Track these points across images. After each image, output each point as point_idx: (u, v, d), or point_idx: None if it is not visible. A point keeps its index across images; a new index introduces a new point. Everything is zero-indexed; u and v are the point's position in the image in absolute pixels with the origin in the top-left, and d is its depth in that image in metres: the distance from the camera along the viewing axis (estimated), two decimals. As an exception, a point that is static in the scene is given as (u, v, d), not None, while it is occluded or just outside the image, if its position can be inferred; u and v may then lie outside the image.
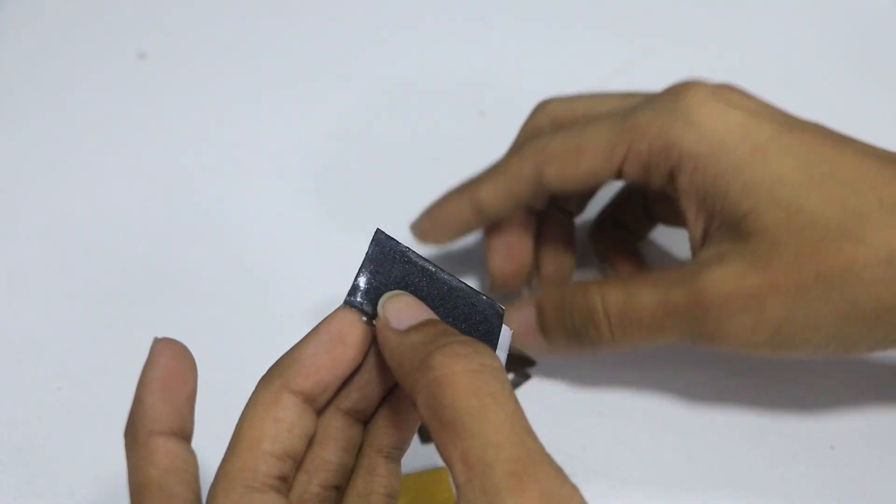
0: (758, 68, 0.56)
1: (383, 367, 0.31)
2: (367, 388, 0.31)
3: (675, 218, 0.43)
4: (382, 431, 0.32)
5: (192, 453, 0.29)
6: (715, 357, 0.43)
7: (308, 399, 0.29)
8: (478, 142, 0.47)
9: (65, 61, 0.56)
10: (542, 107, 0.43)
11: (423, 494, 0.39)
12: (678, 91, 0.37)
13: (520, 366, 0.43)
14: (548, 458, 0.26)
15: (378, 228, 0.31)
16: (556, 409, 0.42)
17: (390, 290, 0.31)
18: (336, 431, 0.31)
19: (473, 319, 0.31)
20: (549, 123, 0.42)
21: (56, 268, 0.47)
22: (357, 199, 0.50)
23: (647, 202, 0.45)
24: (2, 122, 0.53)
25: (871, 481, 0.39)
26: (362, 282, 0.31)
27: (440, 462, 0.40)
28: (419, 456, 0.40)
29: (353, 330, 0.30)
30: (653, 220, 0.46)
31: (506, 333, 0.32)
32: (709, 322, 0.36)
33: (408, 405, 0.32)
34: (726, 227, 0.36)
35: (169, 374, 0.29)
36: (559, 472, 0.26)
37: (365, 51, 0.58)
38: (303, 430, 0.29)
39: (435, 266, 0.31)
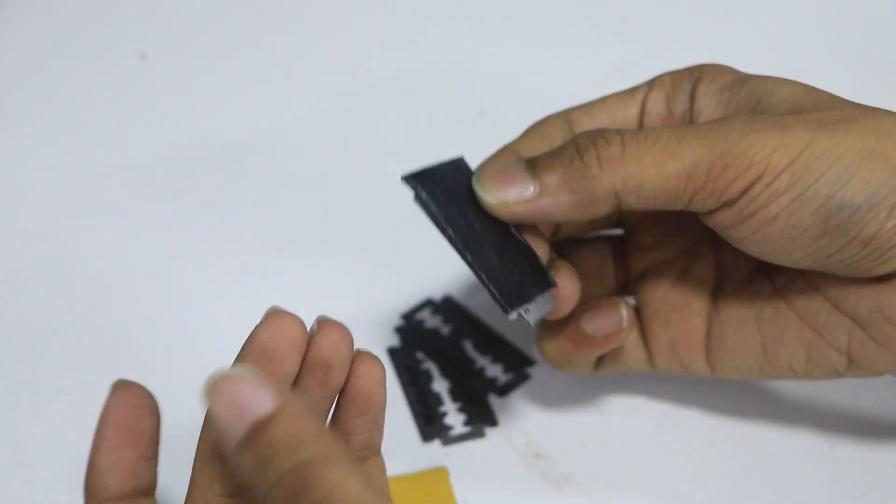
0: (757, 69, 0.56)
1: None
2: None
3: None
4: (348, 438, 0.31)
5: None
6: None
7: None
8: (478, 142, 0.47)
9: (65, 61, 0.56)
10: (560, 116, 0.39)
11: (423, 494, 0.39)
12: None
13: (519, 366, 0.43)
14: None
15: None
16: (556, 409, 0.42)
17: (459, 203, 0.33)
18: None
19: (523, 271, 0.34)
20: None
21: (56, 268, 0.47)
22: (357, 199, 0.50)
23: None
24: (2, 122, 0.53)
25: (871, 481, 0.39)
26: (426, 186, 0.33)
27: (440, 462, 0.40)
28: (419, 456, 0.40)
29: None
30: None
31: (548, 303, 0.34)
32: (734, 133, 0.32)
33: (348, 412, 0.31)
34: (744, 111, 0.35)
35: (122, 427, 0.28)
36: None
37: (365, 51, 0.58)
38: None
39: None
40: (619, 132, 0.33)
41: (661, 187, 0.32)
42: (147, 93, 0.55)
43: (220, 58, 0.57)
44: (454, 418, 0.41)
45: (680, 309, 0.39)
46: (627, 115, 0.38)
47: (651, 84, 0.38)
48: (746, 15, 0.61)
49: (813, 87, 0.35)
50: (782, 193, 0.32)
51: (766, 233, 0.33)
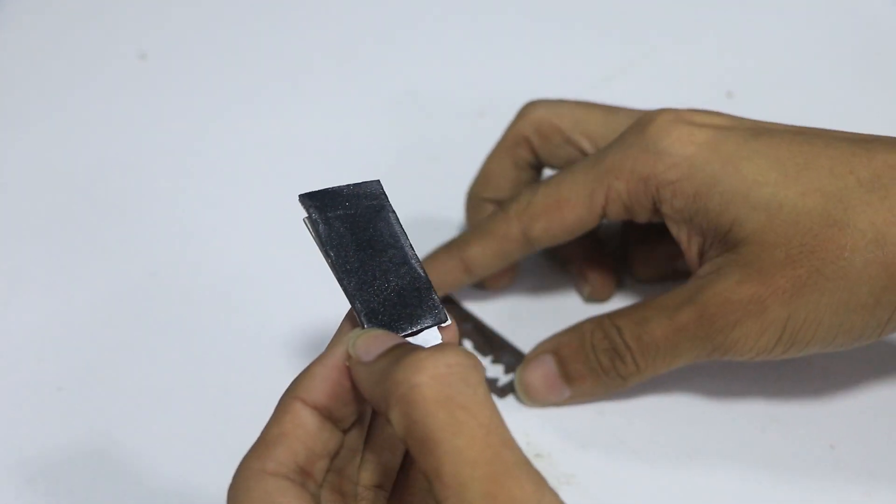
0: (756, 69, 0.56)
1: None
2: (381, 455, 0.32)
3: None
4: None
5: (324, 431, 0.30)
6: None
7: (324, 411, 0.30)
8: (478, 142, 0.47)
9: (65, 61, 0.56)
10: (526, 112, 0.43)
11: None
12: (643, 124, 0.38)
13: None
14: (525, 471, 0.25)
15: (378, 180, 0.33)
16: (556, 409, 0.42)
17: (354, 228, 0.32)
18: None
19: (407, 304, 0.31)
20: (533, 132, 0.43)
21: (56, 268, 0.47)
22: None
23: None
24: (2, 122, 0.53)
25: (871, 481, 0.39)
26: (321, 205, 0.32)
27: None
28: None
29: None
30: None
31: (433, 338, 0.31)
32: (717, 335, 0.37)
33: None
34: (717, 242, 0.37)
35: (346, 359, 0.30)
36: (538, 483, 0.25)
37: (365, 52, 0.58)
38: (320, 435, 0.30)
39: (408, 243, 0.32)
40: (628, 346, 0.38)
41: (681, 365, 0.39)
42: (147, 93, 0.55)
43: (220, 58, 0.57)
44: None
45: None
46: (589, 222, 0.40)
47: (605, 196, 0.39)
48: (745, 16, 0.61)
49: (779, 199, 0.35)
50: (782, 354, 0.37)
51: None
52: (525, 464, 0.26)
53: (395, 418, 0.26)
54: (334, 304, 0.40)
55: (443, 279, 0.43)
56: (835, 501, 0.39)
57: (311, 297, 0.45)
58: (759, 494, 0.39)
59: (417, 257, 0.32)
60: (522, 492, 0.25)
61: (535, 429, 0.41)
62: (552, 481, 0.26)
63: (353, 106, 0.55)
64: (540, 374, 0.40)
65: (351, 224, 0.32)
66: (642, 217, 0.39)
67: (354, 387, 0.30)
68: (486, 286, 0.45)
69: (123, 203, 0.50)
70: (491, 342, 0.44)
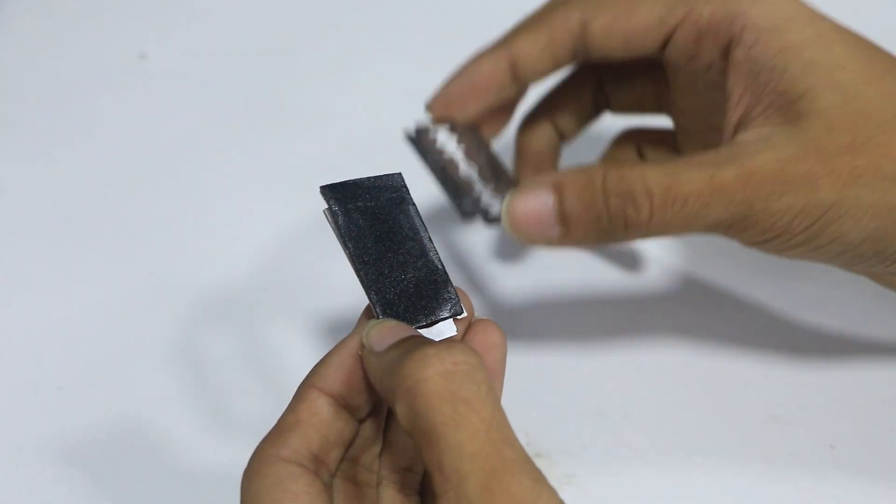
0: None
1: None
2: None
3: (635, 103, 0.42)
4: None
5: (340, 420, 0.30)
6: (715, 358, 0.43)
7: (339, 400, 0.30)
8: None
9: (65, 61, 0.56)
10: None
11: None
12: None
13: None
14: (525, 468, 0.26)
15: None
16: (556, 409, 0.42)
17: (373, 220, 0.32)
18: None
19: (423, 295, 0.32)
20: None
21: (56, 268, 0.47)
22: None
23: (600, 85, 0.43)
24: (2, 122, 0.53)
25: (871, 481, 0.39)
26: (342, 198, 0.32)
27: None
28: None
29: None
30: (598, 108, 0.44)
31: (448, 330, 0.32)
32: (759, 201, 0.33)
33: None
34: (776, 107, 0.34)
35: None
36: (536, 480, 0.26)
37: (365, 52, 0.58)
38: (335, 423, 0.30)
39: (427, 233, 0.33)
40: (649, 191, 0.33)
41: (683, 236, 0.34)
42: (147, 93, 0.55)
43: (220, 58, 0.57)
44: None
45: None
46: (652, 38, 0.37)
47: (684, 16, 0.36)
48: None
49: (859, 88, 0.34)
50: (797, 247, 0.34)
51: (775, 253, 0.35)
52: (525, 461, 0.26)
53: (401, 410, 0.27)
54: (335, 303, 0.40)
55: (483, 79, 0.38)
56: (835, 501, 0.39)
57: (312, 297, 0.45)
58: (759, 494, 0.39)
59: (436, 250, 0.33)
60: (520, 488, 0.25)
61: (535, 429, 0.41)
62: (552, 481, 0.27)
63: (355, 106, 0.55)
64: (532, 203, 0.34)
65: (370, 216, 0.32)
66: (704, 56, 0.36)
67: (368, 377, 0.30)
68: (435, 109, 0.40)
69: (123, 202, 0.50)
70: (497, 175, 0.40)
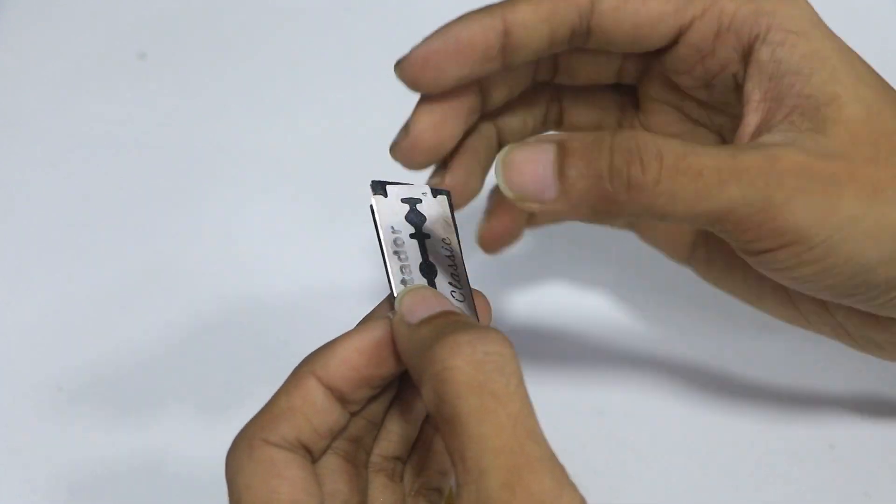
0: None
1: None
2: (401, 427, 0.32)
3: (592, 125, 0.38)
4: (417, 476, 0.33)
5: (333, 413, 0.30)
6: (715, 357, 0.43)
7: (336, 393, 0.30)
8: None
9: (65, 61, 0.56)
10: None
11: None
12: None
13: None
14: (548, 466, 0.26)
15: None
16: (556, 409, 0.41)
17: (414, 224, 0.32)
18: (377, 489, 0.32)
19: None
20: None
21: (56, 268, 0.47)
22: (356, 200, 0.50)
23: (557, 98, 0.39)
24: (2, 122, 0.53)
25: (871, 481, 0.39)
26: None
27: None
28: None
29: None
30: (547, 124, 0.39)
31: None
32: (779, 192, 0.30)
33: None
34: (801, 112, 0.32)
35: (374, 347, 0.30)
36: (559, 480, 0.26)
37: (365, 50, 0.58)
38: (328, 416, 0.30)
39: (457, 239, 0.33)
40: (660, 154, 0.30)
41: (687, 221, 0.31)
42: (147, 93, 0.55)
43: (220, 57, 0.57)
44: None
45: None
46: (666, 25, 0.33)
47: (704, 9, 0.33)
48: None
49: (880, 105, 0.32)
50: (808, 265, 0.31)
51: (776, 276, 0.32)
52: (549, 459, 0.26)
53: (427, 393, 0.27)
54: (337, 303, 0.40)
55: (470, 40, 0.33)
56: (835, 501, 0.39)
57: (313, 298, 0.45)
58: (759, 494, 0.39)
59: (465, 271, 0.33)
60: (541, 487, 0.25)
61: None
62: (552, 481, 0.27)
63: (355, 106, 0.55)
64: (532, 154, 0.30)
65: (411, 220, 0.33)
66: (721, 53, 0.33)
67: (373, 374, 0.30)
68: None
69: (123, 202, 0.50)
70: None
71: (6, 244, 0.48)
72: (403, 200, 0.33)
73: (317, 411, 0.29)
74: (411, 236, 0.32)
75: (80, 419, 0.41)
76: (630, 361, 0.43)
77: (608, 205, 0.30)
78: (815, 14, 0.33)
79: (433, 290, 0.31)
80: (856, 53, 0.34)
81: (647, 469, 0.40)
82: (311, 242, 0.48)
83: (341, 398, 0.30)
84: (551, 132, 0.35)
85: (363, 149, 0.53)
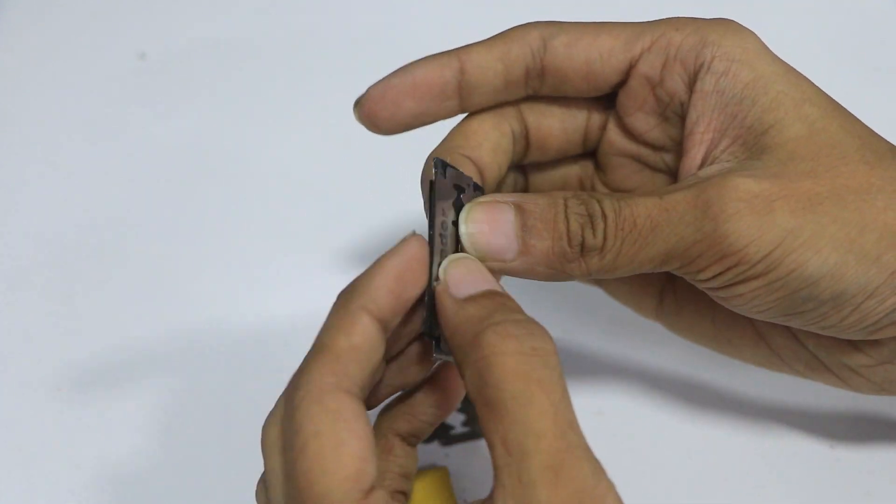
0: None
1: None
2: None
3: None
4: (402, 419, 0.32)
5: (382, 347, 0.29)
6: (715, 357, 0.43)
7: (382, 323, 0.29)
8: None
9: (65, 61, 0.56)
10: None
11: (423, 494, 0.39)
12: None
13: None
14: (586, 454, 0.26)
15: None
16: (556, 409, 0.42)
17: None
18: None
19: None
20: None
21: (56, 268, 0.47)
22: (355, 200, 0.50)
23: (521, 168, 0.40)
24: (2, 123, 0.53)
25: (871, 481, 0.39)
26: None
27: (440, 462, 0.40)
28: (419, 455, 0.40)
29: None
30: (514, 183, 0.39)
31: None
32: (708, 221, 0.31)
33: (428, 396, 0.32)
34: (741, 142, 0.33)
35: (406, 269, 0.29)
36: (596, 468, 0.26)
37: (365, 51, 0.58)
38: (379, 353, 0.29)
39: None
40: (604, 215, 0.32)
41: (635, 271, 0.33)
42: (147, 93, 0.55)
43: (220, 58, 0.57)
44: (453, 418, 0.41)
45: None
46: (616, 60, 0.35)
47: (652, 42, 0.35)
48: (746, 13, 0.60)
49: (825, 122, 0.33)
50: (752, 279, 0.32)
51: (731, 302, 0.33)
52: (587, 449, 0.27)
53: (469, 375, 0.27)
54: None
55: (425, 79, 0.35)
56: (835, 501, 0.39)
57: (313, 300, 0.45)
58: (759, 494, 0.39)
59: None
60: (581, 474, 0.26)
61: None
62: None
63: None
64: (493, 215, 0.32)
65: (456, 207, 0.32)
66: (668, 84, 0.35)
67: (410, 296, 0.30)
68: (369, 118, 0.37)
69: (123, 202, 0.50)
70: None
71: (6, 244, 0.48)
72: (455, 186, 0.32)
73: (375, 348, 0.29)
74: (452, 223, 0.32)
75: (81, 419, 0.41)
76: (630, 361, 0.43)
77: (565, 264, 0.32)
78: (761, 43, 0.35)
79: (479, 263, 0.31)
80: (803, 76, 0.34)
81: (647, 469, 0.40)
82: (314, 243, 0.48)
83: (385, 329, 0.29)
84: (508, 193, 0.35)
85: (364, 149, 0.53)
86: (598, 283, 0.41)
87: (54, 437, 0.41)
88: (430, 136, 0.54)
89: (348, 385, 0.28)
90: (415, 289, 0.30)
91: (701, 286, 0.33)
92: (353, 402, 0.28)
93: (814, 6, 0.60)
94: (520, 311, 0.29)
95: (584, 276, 0.33)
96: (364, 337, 0.28)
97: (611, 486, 0.26)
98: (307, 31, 0.59)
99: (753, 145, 0.33)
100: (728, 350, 0.38)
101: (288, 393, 0.28)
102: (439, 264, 0.31)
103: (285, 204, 0.50)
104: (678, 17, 0.35)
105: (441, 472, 0.39)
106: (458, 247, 0.32)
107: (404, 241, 0.30)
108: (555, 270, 0.32)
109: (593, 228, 0.32)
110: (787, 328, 0.36)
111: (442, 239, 0.32)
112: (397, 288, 0.29)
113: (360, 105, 0.36)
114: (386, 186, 0.51)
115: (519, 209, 0.32)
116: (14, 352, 0.44)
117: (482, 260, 0.32)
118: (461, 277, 0.30)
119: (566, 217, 0.32)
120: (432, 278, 0.30)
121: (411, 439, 0.33)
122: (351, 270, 0.46)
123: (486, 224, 0.32)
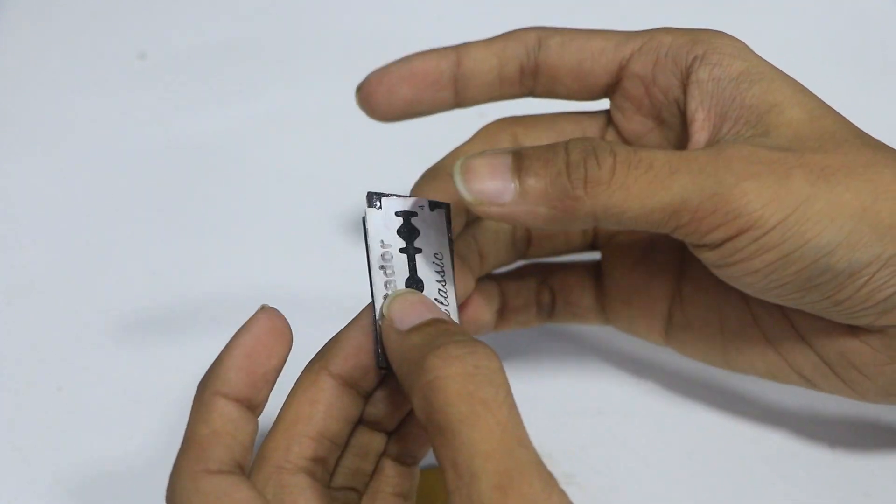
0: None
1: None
2: (389, 399, 0.32)
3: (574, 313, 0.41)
4: (393, 440, 0.33)
5: (249, 423, 0.30)
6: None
7: (348, 382, 0.31)
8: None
9: (65, 61, 0.56)
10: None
11: (423, 494, 0.39)
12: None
13: None
14: (537, 470, 0.26)
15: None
16: (556, 409, 0.42)
17: (406, 237, 0.32)
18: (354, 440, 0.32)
19: None
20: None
21: (56, 269, 0.47)
22: (355, 200, 0.50)
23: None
24: (2, 123, 0.53)
25: (871, 481, 0.39)
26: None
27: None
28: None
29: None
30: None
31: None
32: (728, 175, 0.31)
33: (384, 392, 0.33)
34: (744, 122, 0.33)
35: (257, 344, 0.30)
36: (548, 483, 0.26)
37: (364, 50, 0.58)
38: (342, 412, 0.31)
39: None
40: (613, 151, 0.31)
41: (644, 218, 0.31)
42: (147, 93, 0.55)
43: (220, 57, 0.57)
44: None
45: (641, 291, 0.39)
46: (609, 60, 0.36)
47: (642, 44, 0.36)
48: (746, 14, 0.61)
49: (821, 111, 0.34)
50: (768, 251, 0.31)
51: (743, 279, 0.33)
52: (537, 464, 0.27)
53: (417, 402, 0.27)
54: (334, 308, 0.40)
55: (423, 68, 0.37)
56: (835, 501, 0.39)
57: (313, 302, 0.45)
58: (759, 494, 0.39)
59: (454, 287, 0.33)
60: (531, 490, 0.26)
61: (535, 429, 0.40)
62: (553, 481, 0.27)
63: (353, 105, 0.55)
64: (489, 160, 0.31)
65: (404, 233, 0.33)
66: (661, 80, 0.35)
67: (272, 373, 0.30)
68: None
69: (123, 202, 0.50)
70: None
71: (6, 244, 0.48)
72: (398, 213, 0.33)
73: (240, 427, 0.29)
74: (401, 251, 0.32)
75: (81, 419, 0.41)
76: (630, 361, 0.43)
77: (566, 202, 0.31)
78: (748, 46, 0.35)
79: (421, 295, 0.31)
80: (792, 77, 0.35)
81: (647, 469, 0.40)
82: (313, 243, 0.48)
83: (354, 385, 0.31)
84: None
85: (364, 149, 0.53)
86: (608, 319, 0.41)
87: (54, 437, 0.41)
88: (431, 136, 0.54)
89: (218, 467, 0.28)
90: (270, 360, 0.30)
91: (706, 257, 0.32)
92: (227, 478, 0.28)
93: (814, 6, 0.60)
94: (463, 332, 0.29)
95: (589, 220, 0.31)
96: (223, 420, 0.29)
97: (563, 498, 0.26)
98: (307, 31, 0.59)
99: (757, 123, 0.33)
100: (737, 361, 0.38)
101: (167, 491, 0.29)
102: (385, 297, 0.31)
103: (285, 204, 0.50)
104: (669, 27, 0.36)
105: (441, 472, 0.39)
106: (410, 272, 0.32)
107: (254, 316, 0.30)
108: (557, 211, 0.31)
109: (598, 161, 0.31)
110: (795, 330, 0.36)
111: (386, 271, 0.32)
112: (250, 365, 0.29)
113: (360, 89, 0.38)
114: (386, 186, 0.50)
115: (517, 154, 0.31)
116: (14, 352, 0.44)
117: (479, 205, 0.31)
118: (403, 311, 0.30)
119: (566, 152, 0.31)
120: (376, 316, 0.31)
121: (406, 459, 0.33)
122: (351, 270, 0.46)
123: (482, 168, 0.31)
